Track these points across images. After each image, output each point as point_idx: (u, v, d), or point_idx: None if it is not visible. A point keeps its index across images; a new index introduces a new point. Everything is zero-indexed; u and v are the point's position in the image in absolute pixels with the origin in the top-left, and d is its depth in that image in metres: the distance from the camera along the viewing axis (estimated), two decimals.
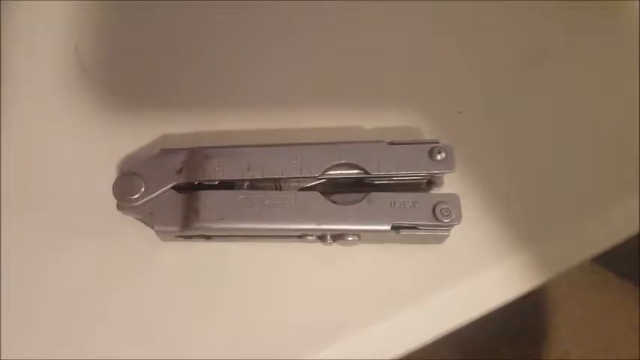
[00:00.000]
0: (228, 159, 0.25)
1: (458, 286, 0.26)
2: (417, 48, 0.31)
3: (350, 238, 0.25)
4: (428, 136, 0.28)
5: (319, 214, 0.24)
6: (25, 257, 0.26)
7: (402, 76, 0.30)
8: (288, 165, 0.25)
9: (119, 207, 0.25)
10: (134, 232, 0.26)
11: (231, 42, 0.31)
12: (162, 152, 0.26)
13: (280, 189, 0.26)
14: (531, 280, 0.26)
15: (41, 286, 0.26)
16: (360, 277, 0.26)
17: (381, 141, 0.25)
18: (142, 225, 0.26)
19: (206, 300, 0.25)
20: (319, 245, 0.26)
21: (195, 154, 0.25)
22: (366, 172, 0.25)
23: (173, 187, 0.25)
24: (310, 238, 0.25)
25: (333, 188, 0.25)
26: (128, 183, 0.25)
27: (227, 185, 0.25)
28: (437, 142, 0.25)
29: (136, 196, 0.24)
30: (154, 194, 0.25)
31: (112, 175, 0.26)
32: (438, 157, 0.25)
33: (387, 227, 0.24)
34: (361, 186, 0.25)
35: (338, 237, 0.25)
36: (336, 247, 0.25)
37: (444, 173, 0.25)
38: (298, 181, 0.25)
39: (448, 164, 0.25)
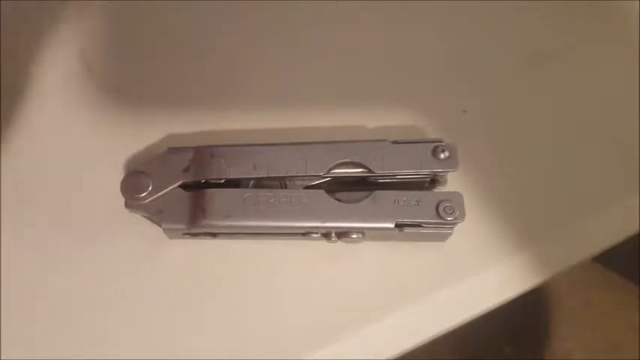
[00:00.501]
0: (235, 158, 0.25)
1: (461, 283, 0.26)
2: (421, 48, 0.31)
3: (354, 236, 0.25)
4: (431, 135, 0.28)
5: (324, 212, 0.24)
6: (31, 256, 0.27)
7: (405, 75, 0.30)
8: (293, 163, 0.25)
9: (127, 205, 0.25)
10: (141, 229, 0.26)
11: (238, 42, 0.31)
12: (170, 151, 0.26)
13: (286, 187, 0.26)
14: (533, 278, 0.26)
15: (47, 284, 0.26)
16: (364, 274, 0.26)
17: (385, 140, 0.26)
18: (149, 223, 0.26)
19: (212, 297, 0.26)
20: (324, 243, 0.26)
21: (202, 153, 0.26)
22: (371, 171, 0.25)
23: (180, 186, 0.25)
24: (315, 235, 0.25)
25: (338, 186, 0.26)
26: (136, 181, 0.25)
27: (233, 183, 0.25)
28: (440, 141, 0.25)
29: (143, 195, 0.25)
30: (162, 192, 0.25)
31: (119, 173, 0.26)
32: (442, 155, 0.25)
33: (391, 225, 0.24)
34: (365, 184, 0.26)
35: (342, 234, 0.25)
36: (340, 245, 0.26)
37: (447, 172, 0.25)
38: (303, 180, 0.26)
39: (451, 163, 0.25)
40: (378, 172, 0.25)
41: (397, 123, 0.29)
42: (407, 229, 0.24)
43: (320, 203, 0.25)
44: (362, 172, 0.25)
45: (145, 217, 0.26)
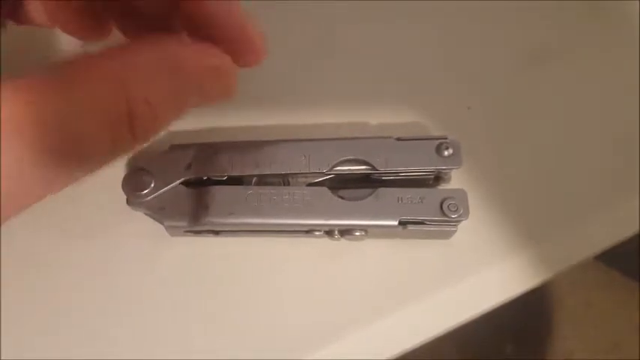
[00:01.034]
0: (237, 155, 0.25)
1: (465, 281, 0.26)
2: (425, 46, 0.31)
3: (357, 234, 0.25)
4: (435, 133, 0.28)
5: (327, 209, 0.24)
6: (32, 254, 0.26)
7: (409, 73, 0.30)
8: (296, 161, 0.25)
9: (129, 202, 0.25)
10: (143, 227, 0.26)
11: None
12: (172, 148, 0.26)
13: (288, 184, 0.26)
14: (536, 276, 0.26)
15: (48, 282, 0.26)
16: (368, 272, 0.26)
17: (388, 137, 0.26)
18: (150, 220, 0.26)
19: (214, 294, 0.26)
20: (327, 240, 0.26)
21: (204, 150, 0.25)
22: (374, 168, 0.25)
23: (182, 183, 0.25)
24: (318, 233, 0.25)
25: (341, 184, 0.26)
26: (138, 179, 0.25)
27: (235, 181, 0.25)
28: (444, 138, 0.25)
29: (145, 192, 0.25)
30: (164, 190, 0.25)
31: (121, 170, 0.26)
32: (446, 153, 0.25)
33: (395, 222, 0.24)
34: (369, 182, 0.26)
35: (345, 232, 0.25)
36: (343, 243, 0.26)
37: (451, 169, 0.25)
38: (306, 177, 0.26)
39: (455, 160, 0.25)
40: (382, 169, 0.25)
41: (401, 120, 0.28)
42: (410, 227, 0.24)
43: (323, 201, 0.24)
44: (365, 169, 0.25)
45: (146, 214, 0.26)
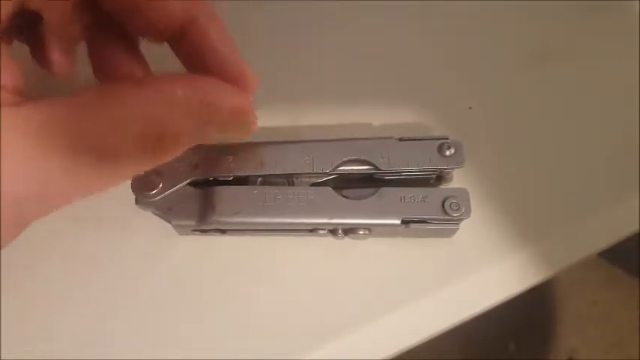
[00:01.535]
0: (243, 155, 0.26)
1: (467, 279, 0.26)
2: (426, 46, 0.31)
3: (361, 232, 0.25)
4: (437, 133, 0.28)
5: (331, 208, 0.25)
6: (41, 252, 0.27)
7: (411, 73, 0.31)
8: (300, 161, 0.26)
9: (137, 202, 0.26)
10: (152, 226, 0.27)
11: (244, 40, 0.31)
12: None
13: (293, 184, 0.26)
14: (538, 274, 0.27)
15: (56, 281, 0.26)
16: (371, 270, 0.26)
17: (391, 137, 0.26)
18: (158, 219, 0.26)
19: (221, 292, 0.26)
20: (331, 239, 0.26)
21: (211, 151, 0.26)
22: (377, 168, 0.25)
23: (189, 183, 0.26)
24: (322, 232, 0.26)
25: (345, 183, 0.26)
26: (146, 179, 0.25)
27: (241, 181, 0.26)
28: (446, 138, 0.26)
29: (154, 192, 0.25)
30: (171, 190, 0.25)
31: None
32: (447, 152, 0.25)
33: (398, 221, 0.25)
34: (372, 181, 0.26)
35: (349, 231, 0.25)
36: (347, 241, 0.26)
37: (453, 169, 0.26)
38: (310, 177, 0.26)
39: (457, 160, 0.25)
40: (385, 169, 0.25)
41: (403, 120, 0.29)
42: (413, 226, 0.25)
43: (327, 200, 0.25)
44: (368, 169, 0.26)
45: (155, 213, 0.26)
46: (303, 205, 0.25)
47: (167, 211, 0.25)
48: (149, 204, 0.25)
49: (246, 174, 0.26)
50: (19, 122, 0.14)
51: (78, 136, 0.15)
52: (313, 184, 0.26)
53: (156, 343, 0.25)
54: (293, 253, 0.27)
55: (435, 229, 0.25)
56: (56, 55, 0.19)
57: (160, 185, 0.25)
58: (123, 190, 0.26)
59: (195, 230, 0.26)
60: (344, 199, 0.25)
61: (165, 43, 0.21)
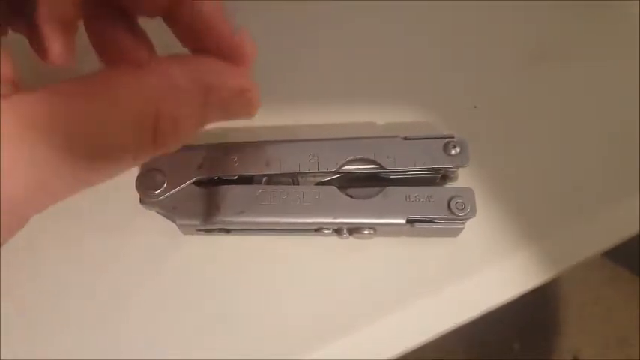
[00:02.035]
0: (247, 155, 0.26)
1: (472, 279, 0.26)
2: (431, 46, 0.31)
3: (366, 232, 0.25)
4: (442, 132, 0.28)
5: (336, 208, 0.25)
6: (45, 252, 0.27)
7: (416, 72, 0.30)
8: (305, 160, 0.25)
9: (142, 202, 0.26)
10: (156, 225, 0.27)
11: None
12: (184, 148, 0.26)
13: (298, 184, 0.26)
14: (542, 274, 0.26)
15: (60, 280, 0.26)
16: (376, 269, 0.26)
17: (396, 136, 0.26)
18: (163, 219, 0.27)
19: (225, 291, 0.26)
20: (336, 239, 0.26)
21: (216, 150, 0.26)
22: (382, 167, 0.25)
23: (194, 183, 0.26)
24: (327, 231, 0.26)
25: (350, 183, 0.26)
26: (151, 179, 0.25)
27: (246, 180, 0.26)
28: (452, 137, 0.26)
29: (158, 192, 0.25)
30: (176, 189, 0.25)
31: (134, 170, 0.27)
32: (453, 151, 0.25)
33: (403, 221, 0.25)
34: (377, 180, 0.26)
35: (354, 230, 0.25)
36: (352, 241, 0.26)
37: (458, 168, 0.26)
38: (315, 176, 0.26)
39: (463, 159, 0.25)
40: (390, 168, 0.25)
41: (408, 119, 0.29)
42: (418, 225, 0.25)
43: (332, 199, 0.25)
44: (373, 168, 0.26)
45: (159, 213, 0.26)
46: (308, 204, 0.25)
47: (171, 211, 0.25)
48: (154, 203, 0.25)
49: (250, 173, 0.26)
50: (13, 114, 0.14)
51: (75, 126, 0.14)
52: (318, 184, 0.26)
53: (159, 342, 0.25)
54: (297, 253, 0.27)
55: (441, 229, 0.25)
56: (52, 42, 0.18)
57: (165, 185, 0.25)
58: (127, 190, 0.26)
59: (200, 230, 0.26)
60: (349, 198, 0.25)
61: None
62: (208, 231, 0.26)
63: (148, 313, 0.26)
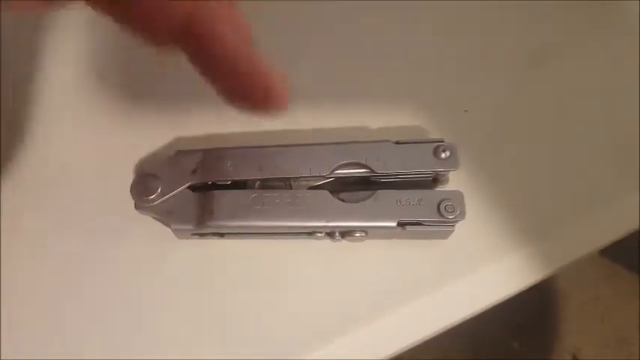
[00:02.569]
0: (241, 159, 0.26)
1: (463, 280, 0.26)
2: (422, 49, 0.31)
3: (358, 235, 0.25)
4: (433, 136, 0.28)
5: (328, 211, 0.25)
6: (42, 256, 0.27)
7: (407, 76, 0.31)
8: (298, 165, 0.26)
9: (137, 207, 0.26)
10: (151, 230, 0.27)
11: None
12: (178, 154, 0.27)
13: (290, 188, 0.26)
14: (534, 274, 0.27)
15: (56, 284, 0.27)
16: (368, 272, 0.27)
17: (387, 140, 0.26)
18: (158, 223, 0.27)
19: (220, 295, 0.27)
20: (328, 242, 0.27)
21: (210, 155, 0.26)
22: (373, 171, 0.26)
23: (188, 187, 0.26)
24: (319, 235, 0.26)
25: (342, 187, 0.26)
26: (145, 184, 0.26)
27: (240, 185, 0.26)
28: (441, 141, 0.26)
29: (152, 196, 0.25)
30: (170, 194, 0.26)
31: (129, 176, 0.27)
32: (443, 155, 0.25)
33: (394, 224, 0.25)
34: (368, 184, 0.26)
35: (346, 233, 0.26)
36: (344, 244, 0.26)
37: (448, 171, 0.26)
38: (308, 180, 0.26)
39: (452, 162, 0.26)
40: (381, 172, 0.26)
41: (399, 124, 0.29)
42: (409, 228, 0.25)
43: (324, 203, 0.25)
44: (365, 172, 0.26)
45: (154, 218, 0.27)
46: (301, 208, 0.25)
47: (166, 216, 0.26)
48: (148, 208, 0.26)
49: (244, 178, 0.26)
50: None
51: None
52: (310, 188, 0.26)
53: (156, 345, 0.26)
54: (291, 256, 0.27)
55: (431, 231, 0.25)
56: None
57: (159, 190, 0.26)
58: (122, 195, 0.26)
59: (194, 234, 0.26)
60: (341, 202, 0.25)
61: None
62: (203, 235, 0.26)
63: (144, 317, 0.26)
